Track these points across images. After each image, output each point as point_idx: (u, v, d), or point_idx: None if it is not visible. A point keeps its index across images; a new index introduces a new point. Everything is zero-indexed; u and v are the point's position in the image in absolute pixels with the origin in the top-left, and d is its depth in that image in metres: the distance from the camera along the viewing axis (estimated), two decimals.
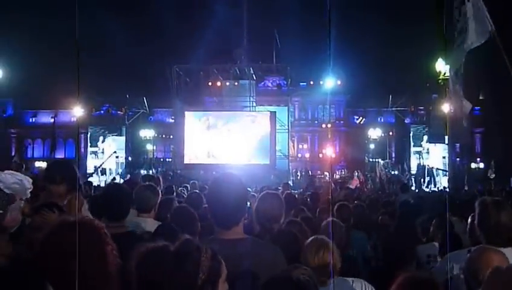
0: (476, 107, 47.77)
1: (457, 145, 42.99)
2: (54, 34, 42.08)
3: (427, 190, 25.99)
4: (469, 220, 4.18)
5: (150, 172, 31.44)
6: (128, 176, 27.27)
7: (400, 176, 31.17)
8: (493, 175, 29.18)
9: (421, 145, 33.05)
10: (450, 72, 7.19)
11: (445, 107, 20.95)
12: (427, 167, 30.83)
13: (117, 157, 32.18)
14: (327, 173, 36.61)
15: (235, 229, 2.84)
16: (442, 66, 17.43)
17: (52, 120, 40.96)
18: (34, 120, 54.94)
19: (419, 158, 33.05)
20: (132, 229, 3.94)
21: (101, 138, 33.29)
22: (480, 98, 42.29)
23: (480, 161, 41.30)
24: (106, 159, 31.08)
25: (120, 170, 31.77)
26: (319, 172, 39.78)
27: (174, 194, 8.13)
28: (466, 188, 22.54)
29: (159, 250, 1.88)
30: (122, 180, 24.76)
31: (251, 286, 2.47)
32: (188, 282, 1.82)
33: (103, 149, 32.09)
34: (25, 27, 42.58)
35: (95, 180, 23.92)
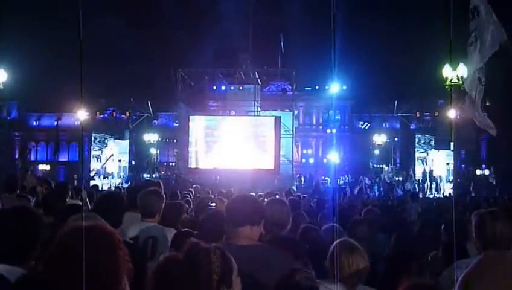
0: (483, 114, 47.67)
1: (463, 151, 42.94)
2: (58, 38, 42.14)
3: (431, 196, 25.89)
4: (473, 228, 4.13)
5: (154, 176, 31.47)
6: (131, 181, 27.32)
7: (404, 182, 31.07)
8: (494, 181, 29.07)
9: (426, 152, 32.92)
10: (466, 76, 7.13)
11: (452, 114, 20.82)
12: (431, 173, 30.72)
13: (119, 161, 32.07)
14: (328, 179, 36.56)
15: (249, 233, 2.94)
16: (448, 72, 17.31)
17: (56, 123, 40.98)
18: (38, 123, 55.04)
19: (424, 164, 32.91)
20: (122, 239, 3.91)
21: (106, 141, 33.25)
22: (487, 104, 42.16)
23: (486, 168, 41.06)
24: (104, 162, 31.05)
25: (123, 174, 31.72)
26: (323, 177, 39.70)
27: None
28: (472, 194, 22.40)
29: (169, 261, 1.91)
30: (126, 185, 24.74)
31: None
32: (204, 287, 1.84)
33: (112, 154, 32.06)
34: (30, 30, 42.64)
35: (97, 183, 23.82)
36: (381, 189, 29.78)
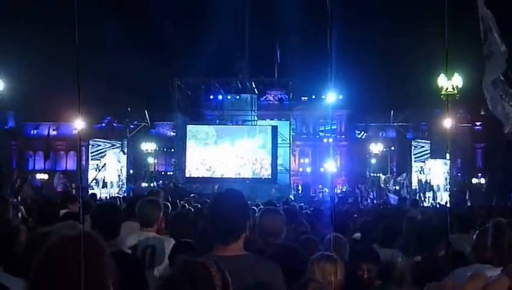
0: (478, 123, 47.81)
1: (459, 160, 43.03)
2: (55, 47, 42.23)
3: (427, 204, 25.91)
4: (474, 237, 4.11)
5: (151, 185, 31.44)
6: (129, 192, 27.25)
7: (401, 191, 31.10)
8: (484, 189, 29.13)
9: (422, 161, 32.99)
10: (487, 79, 7.20)
11: (447, 123, 21.01)
12: (427, 182, 30.77)
13: (118, 170, 31.96)
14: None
15: (234, 246, 2.84)
16: (444, 82, 17.42)
17: (53, 132, 40.93)
18: (35, 132, 54.99)
19: (421, 173, 32.97)
20: (120, 249, 3.93)
21: (104, 151, 33.18)
22: (482, 113, 42.33)
23: (482, 177, 41.18)
24: (97, 173, 31.00)
25: (121, 183, 31.66)
26: (320, 186, 39.73)
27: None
28: (469, 203, 22.44)
29: (170, 281, 1.88)
30: (125, 194, 24.74)
31: None
32: None
33: (105, 163, 31.99)
34: (27, 40, 42.75)
35: (95, 192, 23.76)
36: (376, 197, 29.82)
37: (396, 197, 25.62)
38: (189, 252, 3.95)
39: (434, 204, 26.19)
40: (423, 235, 5.15)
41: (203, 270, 1.87)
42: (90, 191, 25.30)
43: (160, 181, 34.90)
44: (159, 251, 4.45)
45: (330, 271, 3.24)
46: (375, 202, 28.03)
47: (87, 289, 1.82)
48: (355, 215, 11.36)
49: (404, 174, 33.55)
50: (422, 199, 28.13)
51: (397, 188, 32.88)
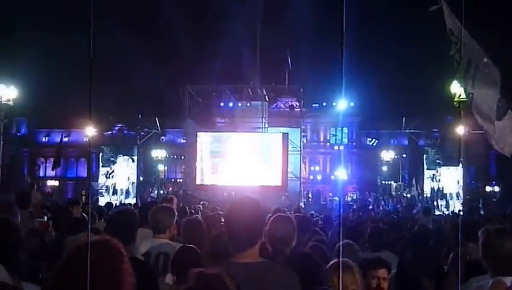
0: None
1: (472, 168, 42.63)
2: (68, 55, 42.57)
3: (439, 213, 25.66)
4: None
5: (161, 192, 31.48)
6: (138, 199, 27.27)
7: (413, 199, 30.86)
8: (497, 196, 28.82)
9: (434, 168, 32.71)
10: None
11: (460, 130, 20.75)
12: (439, 190, 30.48)
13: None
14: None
15: (250, 252, 2.85)
16: (457, 88, 17.26)
17: (64, 139, 41.13)
18: (47, 139, 55.40)
19: (433, 181, 32.70)
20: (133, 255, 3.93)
21: (114, 158, 33.28)
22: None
23: (495, 184, 40.77)
24: (106, 179, 31.08)
25: (131, 190, 31.69)
26: (330, 194, 39.55)
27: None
28: (482, 212, 22.18)
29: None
30: (133, 201, 24.76)
31: None
32: None
33: (113, 169, 32.06)
34: (40, 47, 43.13)
35: (106, 200, 23.85)
36: (390, 205, 29.62)
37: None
38: (193, 257, 3.92)
39: (447, 212, 25.96)
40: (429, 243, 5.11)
41: (217, 281, 1.88)
42: (100, 198, 25.37)
43: (170, 188, 34.90)
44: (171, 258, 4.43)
45: (348, 280, 3.24)
46: (386, 209, 27.83)
47: None
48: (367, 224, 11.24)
49: (413, 182, 33.28)
50: (435, 206, 27.88)
51: (409, 196, 32.64)
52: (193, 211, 10.03)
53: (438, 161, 32.03)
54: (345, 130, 53.49)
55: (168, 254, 4.44)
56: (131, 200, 27.64)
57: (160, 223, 4.72)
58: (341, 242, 4.70)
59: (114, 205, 18.27)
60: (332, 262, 3.44)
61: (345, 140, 53.24)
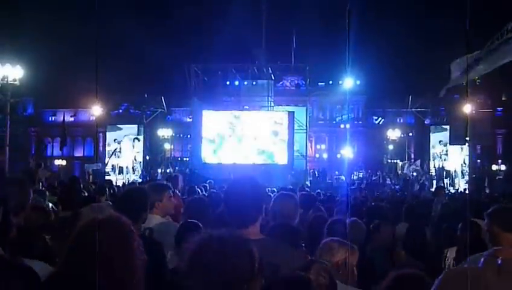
0: (499, 108, 47.09)
1: (478, 146, 42.50)
2: (74, 34, 42.48)
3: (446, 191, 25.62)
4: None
5: (167, 171, 31.60)
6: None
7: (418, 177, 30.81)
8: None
9: (441, 147, 32.61)
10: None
11: (467, 108, 20.70)
12: (444, 168, 30.45)
13: (134, 158, 32.03)
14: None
15: (251, 229, 2.89)
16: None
17: (70, 118, 41.29)
18: (53, 119, 55.59)
19: (439, 160, 32.66)
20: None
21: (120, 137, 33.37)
22: (503, 98, 41.71)
23: (502, 163, 40.68)
24: (110, 156, 31.17)
25: (139, 168, 31.83)
26: (336, 172, 39.59)
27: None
28: (487, 190, 22.16)
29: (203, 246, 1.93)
30: (140, 180, 24.90)
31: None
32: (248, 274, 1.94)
33: (120, 148, 32.14)
34: (46, 27, 43.01)
35: (112, 179, 23.96)
36: (396, 184, 29.63)
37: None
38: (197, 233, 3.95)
39: (453, 191, 25.96)
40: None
41: (245, 249, 1.98)
42: (107, 177, 25.51)
43: (177, 167, 35.02)
44: (157, 233, 4.45)
45: (336, 253, 3.29)
46: (392, 188, 27.83)
47: (117, 270, 1.96)
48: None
49: (418, 161, 33.19)
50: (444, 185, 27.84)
51: (415, 174, 32.59)
52: (199, 190, 10.13)
53: (444, 140, 31.96)
54: (351, 108, 53.30)
55: (152, 230, 4.48)
56: (138, 178, 27.79)
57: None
58: (348, 220, 4.76)
59: (122, 184, 18.39)
60: (326, 240, 3.49)
61: (351, 118, 53.09)
